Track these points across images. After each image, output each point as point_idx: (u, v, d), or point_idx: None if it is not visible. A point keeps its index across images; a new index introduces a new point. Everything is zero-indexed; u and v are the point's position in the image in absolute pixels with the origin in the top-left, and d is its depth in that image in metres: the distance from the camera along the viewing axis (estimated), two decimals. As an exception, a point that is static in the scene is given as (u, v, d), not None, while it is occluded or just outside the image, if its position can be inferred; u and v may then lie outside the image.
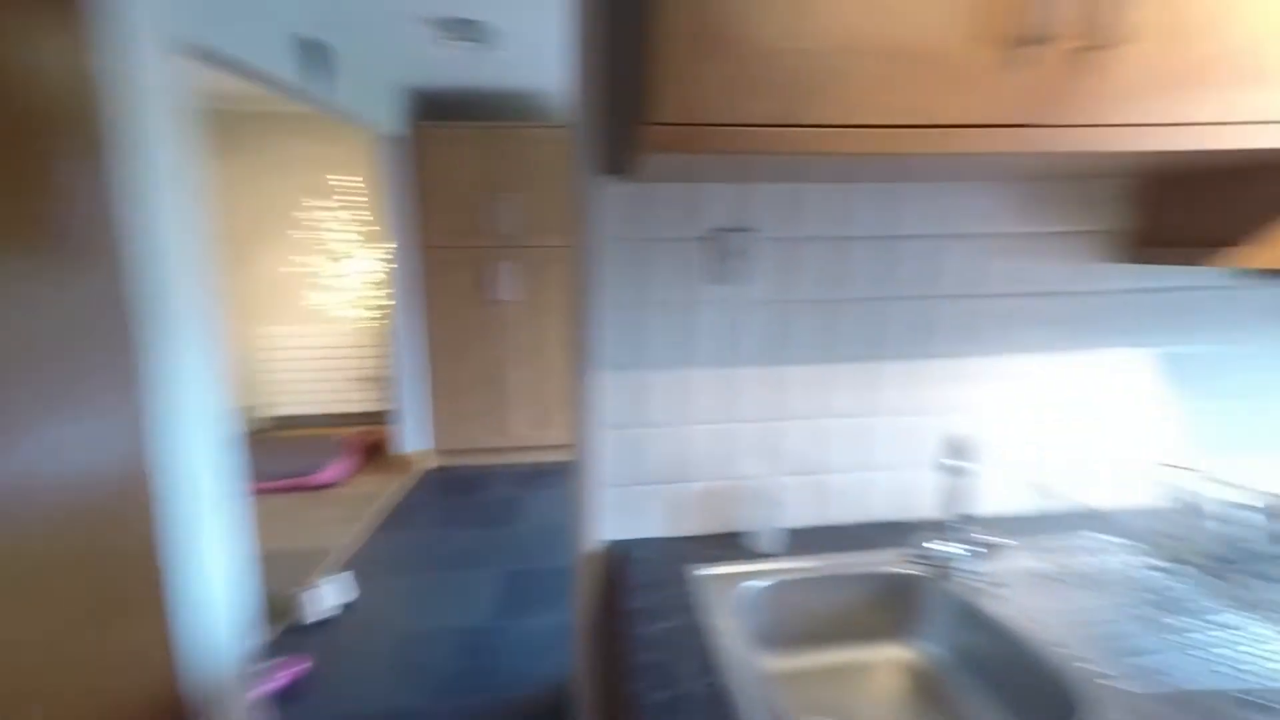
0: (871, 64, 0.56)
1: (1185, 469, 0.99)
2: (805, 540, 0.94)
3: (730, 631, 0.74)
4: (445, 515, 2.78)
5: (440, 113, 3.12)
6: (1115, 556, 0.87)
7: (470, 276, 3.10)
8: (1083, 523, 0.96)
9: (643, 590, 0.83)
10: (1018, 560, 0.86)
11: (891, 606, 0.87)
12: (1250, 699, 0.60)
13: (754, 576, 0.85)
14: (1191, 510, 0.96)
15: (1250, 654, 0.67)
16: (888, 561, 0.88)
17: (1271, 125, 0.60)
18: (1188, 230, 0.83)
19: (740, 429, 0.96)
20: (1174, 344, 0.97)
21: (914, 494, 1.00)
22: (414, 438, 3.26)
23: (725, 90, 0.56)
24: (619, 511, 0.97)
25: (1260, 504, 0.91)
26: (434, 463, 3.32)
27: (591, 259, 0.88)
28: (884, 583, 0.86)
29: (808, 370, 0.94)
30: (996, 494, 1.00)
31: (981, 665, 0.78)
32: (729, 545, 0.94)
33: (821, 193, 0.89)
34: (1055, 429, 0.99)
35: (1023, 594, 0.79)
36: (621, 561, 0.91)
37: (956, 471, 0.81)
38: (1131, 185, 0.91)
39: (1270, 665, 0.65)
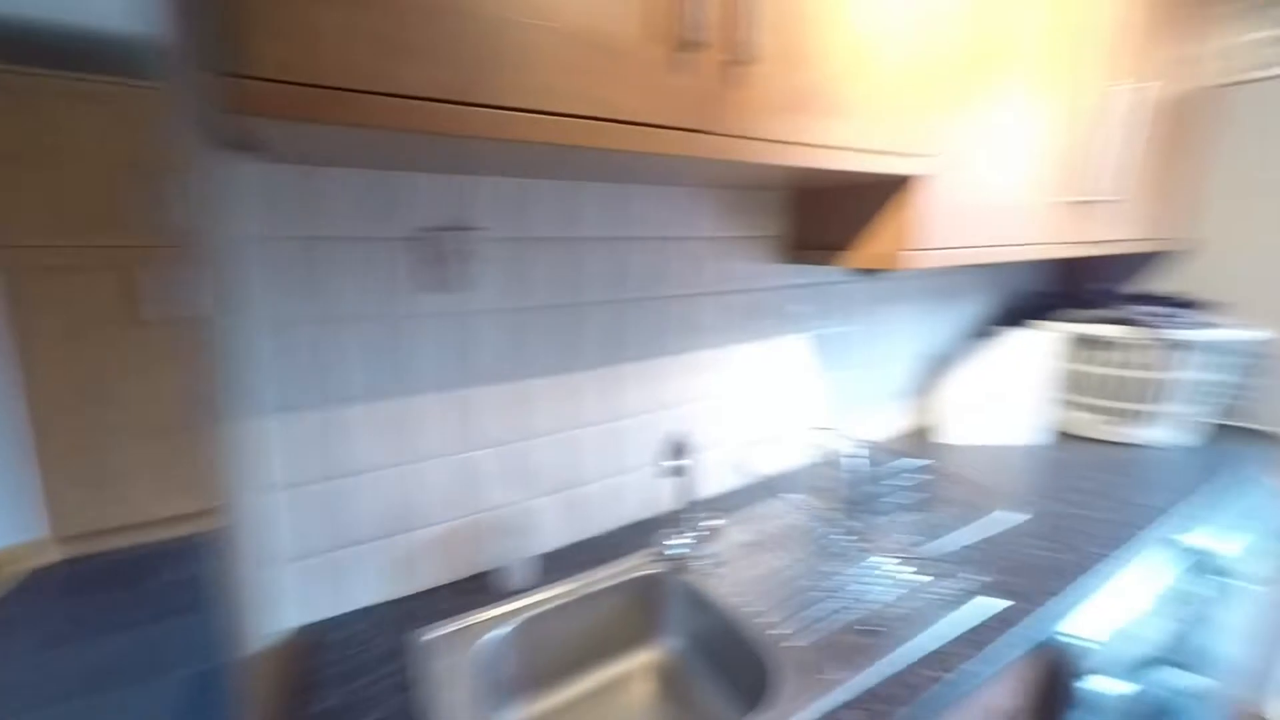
0: (559, 45, 0.50)
1: (826, 429, 1.29)
2: (559, 563, 0.89)
3: (461, 702, 0.62)
4: (73, 625, 1.91)
5: (37, 58, 2.04)
6: (794, 515, 1.04)
7: (109, 288, 2.18)
8: (772, 489, 1.14)
9: (336, 684, 0.65)
10: (731, 535, 0.97)
11: (641, 610, 0.87)
12: (866, 626, 0.74)
13: (497, 622, 0.75)
14: (831, 463, 1.25)
15: (867, 584, 0.83)
16: (635, 566, 0.88)
17: (846, 151, 0.74)
18: (819, 236, 1.04)
19: (482, 456, 0.84)
20: (820, 327, 1.23)
21: (660, 489, 1.04)
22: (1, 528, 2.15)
23: (365, 46, 0.43)
24: (311, 586, 0.75)
25: (865, 451, 1.23)
26: (51, 556, 2.27)
27: (222, 266, 0.63)
28: (632, 589, 0.86)
29: (552, 381, 0.88)
30: (712, 477, 1.12)
31: (708, 648, 0.83)
32: (475, 590, 0.82)
33: (549, 189, 0.82)
34: (749, 408, 1.15)
35: (735, 568, 0.87)
36: (311, 651, 0.70)
37: (676, 469, 0.85)
38: (789, 197, 1.10)
39: (877, 589, 0.81)
